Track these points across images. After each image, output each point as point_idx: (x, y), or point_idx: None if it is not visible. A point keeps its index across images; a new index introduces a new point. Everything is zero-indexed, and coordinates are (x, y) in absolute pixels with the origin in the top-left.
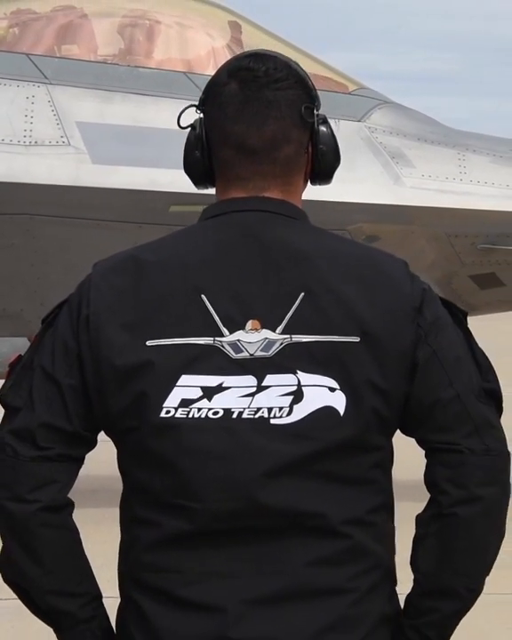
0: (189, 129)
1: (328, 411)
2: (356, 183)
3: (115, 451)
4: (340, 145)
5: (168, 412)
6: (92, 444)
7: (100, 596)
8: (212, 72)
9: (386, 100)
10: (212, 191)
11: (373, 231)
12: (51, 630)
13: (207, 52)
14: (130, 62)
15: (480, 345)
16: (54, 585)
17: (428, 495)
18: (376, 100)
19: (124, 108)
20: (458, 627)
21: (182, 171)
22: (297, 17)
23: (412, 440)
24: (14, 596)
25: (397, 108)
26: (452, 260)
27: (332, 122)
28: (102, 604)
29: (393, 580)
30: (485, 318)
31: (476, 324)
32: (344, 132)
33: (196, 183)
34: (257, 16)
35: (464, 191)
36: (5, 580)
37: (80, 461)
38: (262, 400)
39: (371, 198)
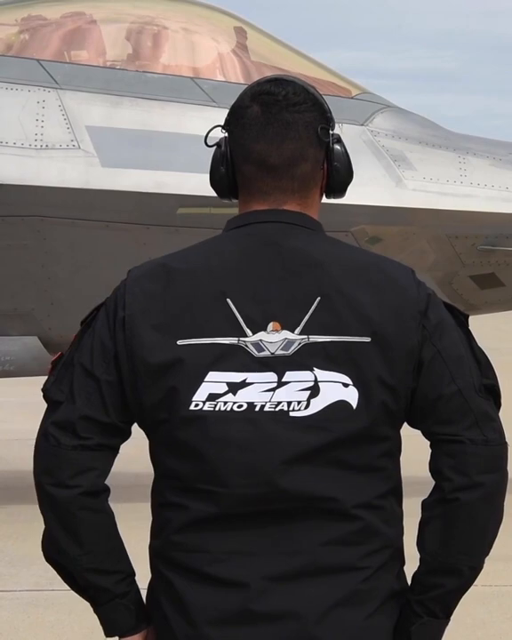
0: (215, 147)
1: (342, 404)
2: (358, 186)
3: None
4: None
5: (197, 405)
6: (127, 434)
7: (133, 574)
8: (218, 77)
9: (388, 105)
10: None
11: (376, 232)
12: (65, 620)
13: (213, 57)
14: (138, 67)
15: (491, 338)
16: (92, 563)
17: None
18: (378, 105)
19: (132, 112)
20: (459, 618)
21: (189, 173)
22: (297, 15)
23: (417, 439)
24: (28, 587)
25: (399, 112)
26: (453, 260)
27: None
28: (135, 581)
29: (401, 560)
30: (485, 318)
31: (475, 323)
32: (347, 135)
33: (221, 196)
34: (257, 15)
35: (464, 193)
36: (47, 559)
37: (116, 450)
38: (282, 394)
39: (373, 200)
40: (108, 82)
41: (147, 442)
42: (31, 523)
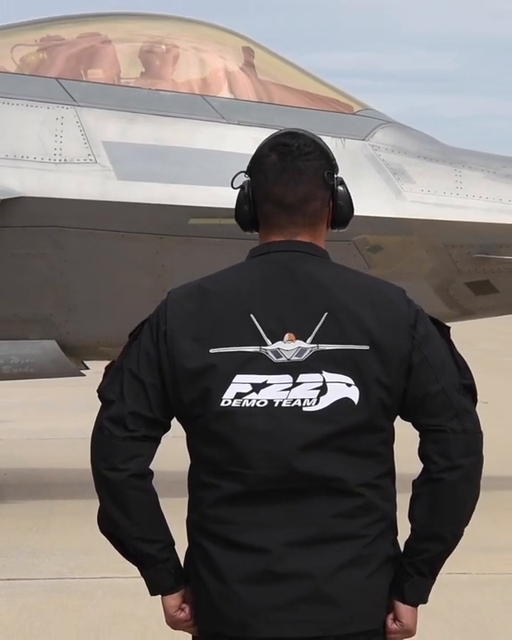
0: (240, 189)
1: (346, 401)
2: (360, 198)
3: None
4: (346, 162)
5: (226, 402)
6: (167, 427)
7: (173, 543)
8: (227, 94)
9: (388, 120)
10: (229, 205)
11: (377, 242)
12: (88, 605)
13: (223, 75)
14: (151, 85)
15: (488, 340)
16: (140, 533)
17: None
18: (379, 120)
19: (146, 128)
20: (455, 603)
21: (200, 186)
22: (296, 16)
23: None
24: (51, 575)
25: (399, 127)
26: (450, 268)
27: (338, 140)
28: (174, 549)
29: (395, 530)
30: (481, 320)
31: (471, 326)
32: (349, 149)
33: (244, 229)
34: (257, 15)
35: (460, 205)
36: (101, 531)
37: (158, 440)
38: (296, 393)
39: (374, 211)
40: (123, 99)
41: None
42: (49, 517)
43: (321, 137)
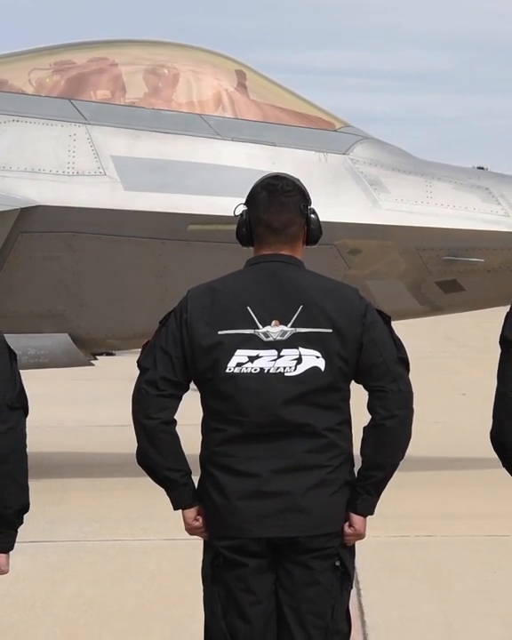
0: (240, 216)
1: (315, 369)
2: (340, 206)
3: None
4: (328, 175)
5: (229, 369)
6: (187, 388)
7: (190, 472)
8: (222, 113)
9: (366, 136)
10: (224, 213)
11: (355, 245)
12: (101, 562)
13: (218, 96)
14: (153, 105)
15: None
16: (167, 464)
17: None
18: (358, 136)
19: (149, 144)
20: (421, 560)
21: (199, 196)
22: (294, 15)
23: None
24: (68, 539)
25: (376, 142)
26: (421, 269)
27: (321, 154)
28: (191, 477)
29: (351, 462)
30: (469, 317)
31: (463, 321)
32: (331, 163)
33: (243, 244)
34: (255, 15)
35: (431, 212)
36: (139, 463)
37: (180, 398)
38: (280, 363)
39: (353, 218)
40: (129, 118)
41: None
42: (62, 492)
43: (306, 151)
